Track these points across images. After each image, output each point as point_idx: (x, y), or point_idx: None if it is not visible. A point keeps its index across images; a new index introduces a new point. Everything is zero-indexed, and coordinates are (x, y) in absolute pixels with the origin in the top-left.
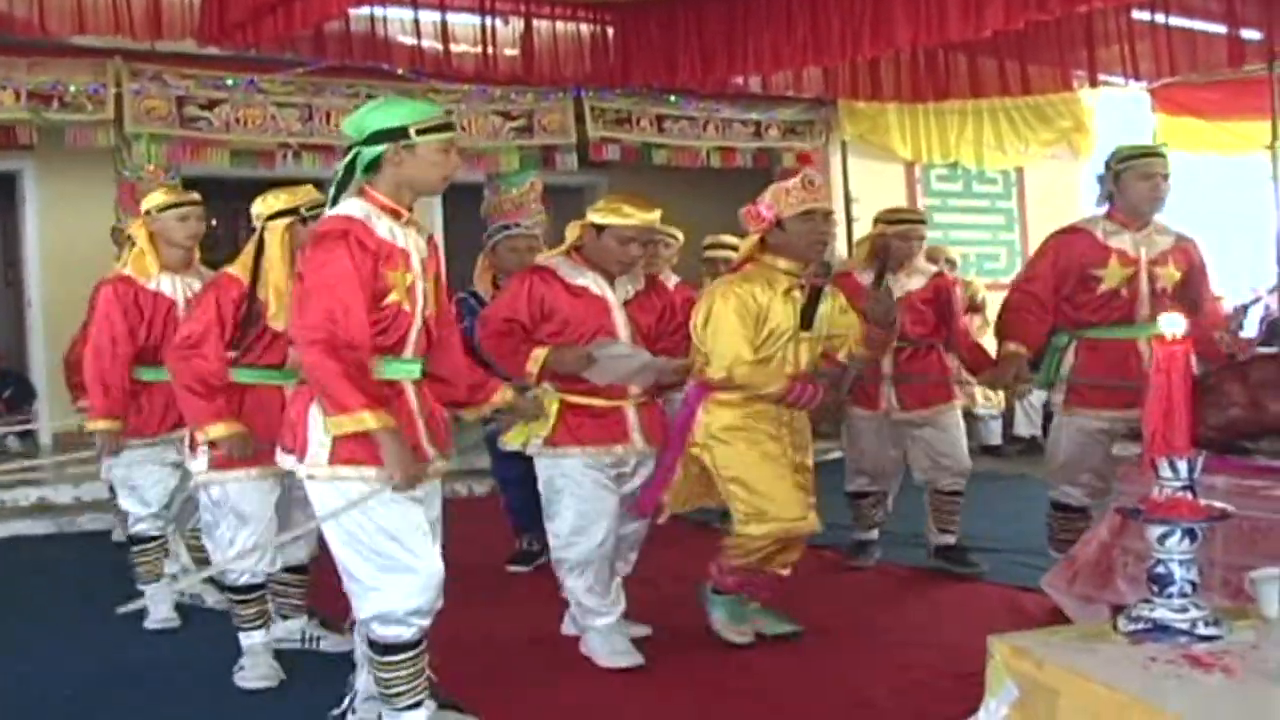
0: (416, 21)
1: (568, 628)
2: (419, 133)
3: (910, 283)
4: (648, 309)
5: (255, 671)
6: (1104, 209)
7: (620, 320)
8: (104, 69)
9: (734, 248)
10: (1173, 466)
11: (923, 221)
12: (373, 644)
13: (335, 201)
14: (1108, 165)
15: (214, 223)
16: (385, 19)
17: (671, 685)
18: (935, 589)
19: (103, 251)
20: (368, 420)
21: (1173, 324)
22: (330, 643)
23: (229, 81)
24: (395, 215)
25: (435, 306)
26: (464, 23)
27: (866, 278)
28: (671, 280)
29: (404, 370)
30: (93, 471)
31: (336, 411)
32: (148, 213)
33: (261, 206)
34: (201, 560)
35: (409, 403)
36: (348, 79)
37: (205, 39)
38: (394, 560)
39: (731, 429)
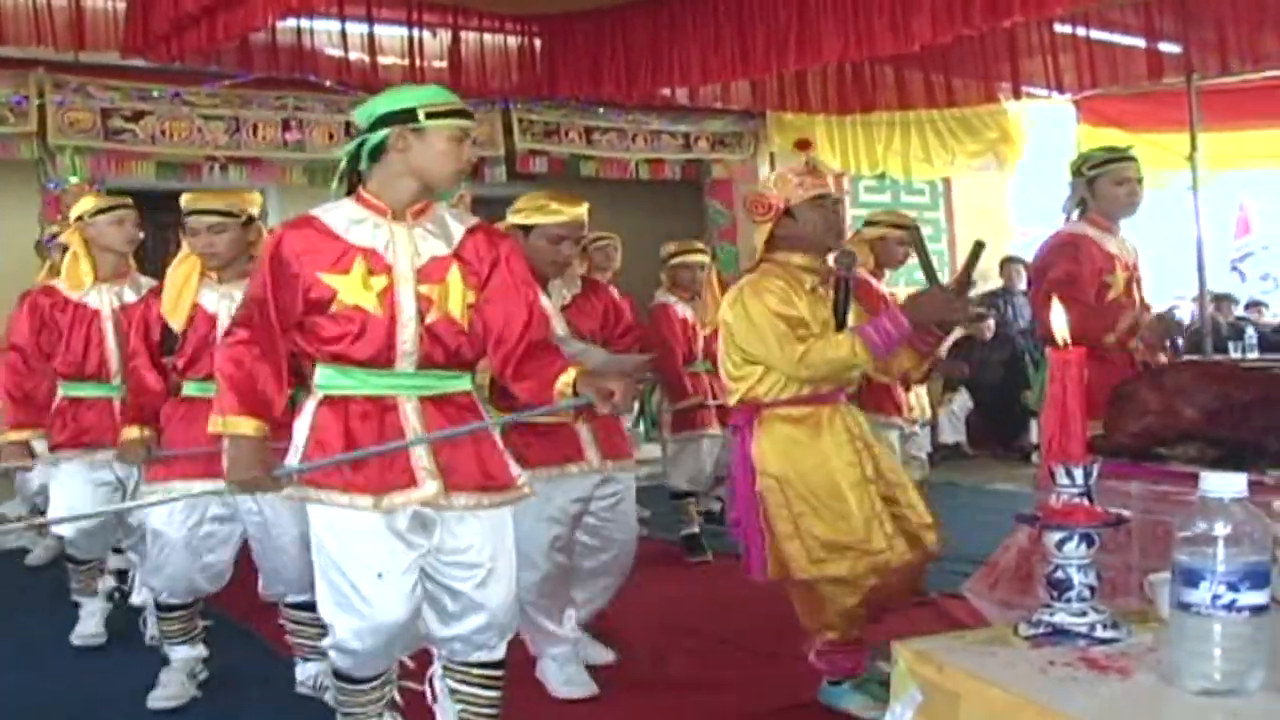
0: (344, 33)
1: None
2: (429, 116)
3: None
4: (588, 313)
5: (165, 690)
6: (1076, 216)
7: (560, 328)
8: (26, 80)
9: (702, 250)
10: (1069, 473)
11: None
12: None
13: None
14: (1078, 172)
15: (141, 235)
16: (312, 30)
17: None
18: None
19: (27, 264)
20: (226, 424)
21: (1061, 329)
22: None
23: (154, 93)
24: (382, 212)
25: (457, 313)
26: (391, 34)
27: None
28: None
29: (399, 385)
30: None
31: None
32: (79, 219)
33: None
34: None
35: (402, 421)
36: (275, 91)
37: (129, 50)
38: (343, 596)
39: (791, 441)
